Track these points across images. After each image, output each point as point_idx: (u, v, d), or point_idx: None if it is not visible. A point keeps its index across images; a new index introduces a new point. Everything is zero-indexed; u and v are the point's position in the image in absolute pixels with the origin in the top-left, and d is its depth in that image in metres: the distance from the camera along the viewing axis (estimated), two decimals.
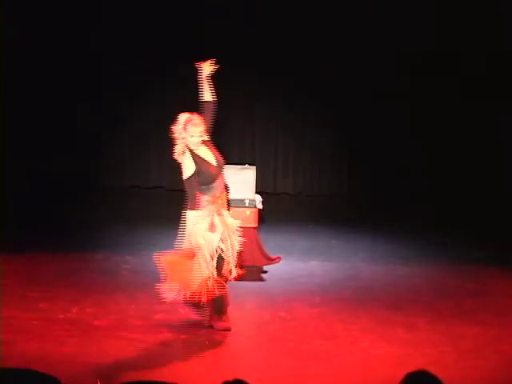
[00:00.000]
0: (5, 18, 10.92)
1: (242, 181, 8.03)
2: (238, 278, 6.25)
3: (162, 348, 5.79)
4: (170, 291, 6.03)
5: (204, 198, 6.06)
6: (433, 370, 3.39)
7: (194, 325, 6.31)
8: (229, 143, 11.57)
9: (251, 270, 7.99)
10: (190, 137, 6.03)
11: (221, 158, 6.22)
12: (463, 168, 12.11)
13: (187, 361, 5.55)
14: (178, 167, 6.21)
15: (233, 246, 6.17)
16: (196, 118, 6.09)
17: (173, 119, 6.16)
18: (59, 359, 5.42)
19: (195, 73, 6.32)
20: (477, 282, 8.13)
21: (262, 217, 8.60)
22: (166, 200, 12.07)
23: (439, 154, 12.24)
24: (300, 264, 8.80)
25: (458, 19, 11.60)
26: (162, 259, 6.01)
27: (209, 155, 6.17)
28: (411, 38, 11.79)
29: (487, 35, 11.61)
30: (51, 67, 11.84)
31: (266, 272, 8.16)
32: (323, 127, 12.78)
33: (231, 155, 10.16)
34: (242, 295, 6.99)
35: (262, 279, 7.98)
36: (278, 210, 11.12)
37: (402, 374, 3.39)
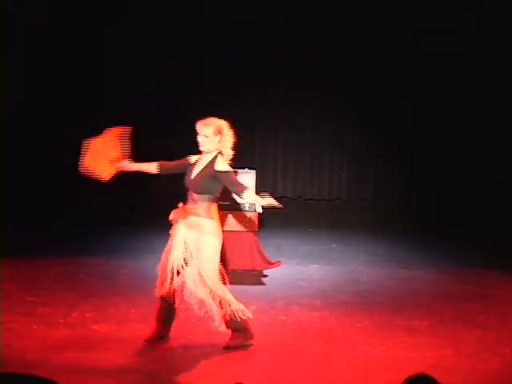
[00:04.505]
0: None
1: None
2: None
3: (162, 352, 5.78)
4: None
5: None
6: (434, 374, 3.38)
7: (194, 329, 6.30)
8: None
9: (251, 274, 8.01)
10: (198, 135, 5.85)
11: (192, 179, 5.81)
12: (463, 169, 12.10)
13: (187, 365, 5.53)
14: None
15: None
16: (209, 119, 5.82)
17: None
18: (59, 364, 5.41)
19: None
20: (477, 286, 8.12)
21: (262, 221, 8.59)
22: (168, 203, 12.05)
23: (439, 155, 12.23)
24: (300, 268, 8.79)
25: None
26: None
27: (200, 163, 5.86)
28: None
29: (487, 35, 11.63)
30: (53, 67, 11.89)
31: (266, 276, 8.16)
32: (322, 130, 12.78)
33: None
34: (242, 299, 6.97)
35: (262, 283, 7.97)
36: (277, 213, 11.10)
37: (402, 377, 3.38)
